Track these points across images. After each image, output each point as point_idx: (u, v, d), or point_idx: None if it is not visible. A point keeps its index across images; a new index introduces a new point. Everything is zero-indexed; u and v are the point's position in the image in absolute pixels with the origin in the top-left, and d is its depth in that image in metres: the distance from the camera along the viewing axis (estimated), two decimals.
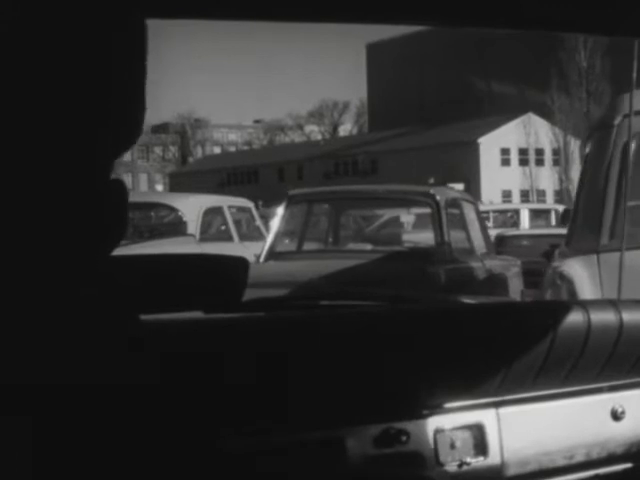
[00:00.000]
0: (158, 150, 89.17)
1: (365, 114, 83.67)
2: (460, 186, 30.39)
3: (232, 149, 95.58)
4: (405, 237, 12.94)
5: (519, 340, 2.03)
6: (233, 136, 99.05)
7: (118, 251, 1.34)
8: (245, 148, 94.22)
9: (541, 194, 55.71)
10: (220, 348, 1.76)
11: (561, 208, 22.76)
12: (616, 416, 2.16)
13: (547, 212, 23.18)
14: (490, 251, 8.83)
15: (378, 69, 73.82)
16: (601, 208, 4.48)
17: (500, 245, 13.30)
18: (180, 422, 1.54)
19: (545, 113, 50.58)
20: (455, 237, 7.87)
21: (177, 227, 10.94)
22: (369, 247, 9.04)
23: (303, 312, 2.26)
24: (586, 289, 4.28)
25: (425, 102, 69.18)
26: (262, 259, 7.75)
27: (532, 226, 21.14)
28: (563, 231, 7.76)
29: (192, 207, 10.86)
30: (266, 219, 13.35)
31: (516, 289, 8.42)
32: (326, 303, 2.38)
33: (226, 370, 1.74)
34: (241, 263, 1.67)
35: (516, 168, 58.02)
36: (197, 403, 1.61)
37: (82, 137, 1.22)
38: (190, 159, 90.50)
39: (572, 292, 4.36)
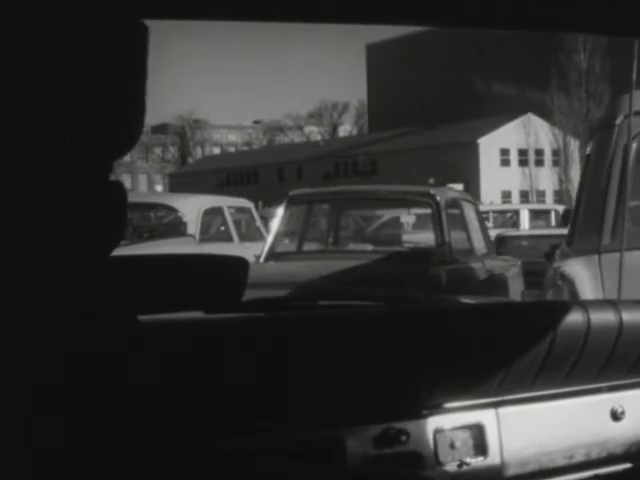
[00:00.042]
0: (158, 151, 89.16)
1: (365, 115, 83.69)
2: (459, 186, 30.36)
3: (232, 150, 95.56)
4: (405, 237, 12.95)
5: (519, 340, 2.03)
6: (232, 137, 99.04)
7: (118, 251, 1.34)
8: (245, 149, 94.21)
9: (541, 194, 55.70)
10: (220, 348, 1.76)
11: (561, 208, 22.74)
12: (616, 416, 2.16)
13: (547, 212, 23.16)
14: (490, 251, 8.83)
15: (378, 69, 73.81)
16: (602, 208, 4.47)
17: (500, 245, 13.27)
18: (180, 422, 1.54)
19: (545, 114, 50.58)
20: (455, 237, 7.86)
21: (177, 227, 10.93)
22: (369, 247, 9.04)
23: (303, 312, 2.26)
24: (588, 289, 4.28)
25: (425, 102, 69.17)
26: (262, 259, 7.75)
27: (532, 227, 21.13)
28: (563, 231, 7.76)
29: (192, 207, 10.85)
30: (266, 219, 13.35)
31: (517, 290, 8.41)
32: (326, 303, 2.38)
33: (226, 370, 1.74)
34: (241, 263, 1.67)
35: (516, 168, 58.01)
36: (197, 403, 1.61)
37: (82, 139, 1.22)
38: (190, 160, 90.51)
39: (574, 292, 4.36)
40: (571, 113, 48.04)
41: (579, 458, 2.11)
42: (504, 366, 2.00)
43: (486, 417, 2.02)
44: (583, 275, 4.43)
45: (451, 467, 1.95)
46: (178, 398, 1.56)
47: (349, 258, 7.68)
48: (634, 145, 4.43)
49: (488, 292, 7.44)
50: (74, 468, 1.27)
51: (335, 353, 1.88)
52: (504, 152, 60.09)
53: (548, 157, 56.09)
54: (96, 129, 1.23)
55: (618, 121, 4.53)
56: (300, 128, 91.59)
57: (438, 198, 7.69)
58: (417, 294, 4.30)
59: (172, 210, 11.24)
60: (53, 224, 1.22)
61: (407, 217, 18.88)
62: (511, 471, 2.03)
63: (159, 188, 79.91)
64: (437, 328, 2.00)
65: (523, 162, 57.50)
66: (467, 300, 2.54)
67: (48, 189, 1.21)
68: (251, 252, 8.17)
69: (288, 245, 8.67)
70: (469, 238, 8.26)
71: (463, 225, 8.31)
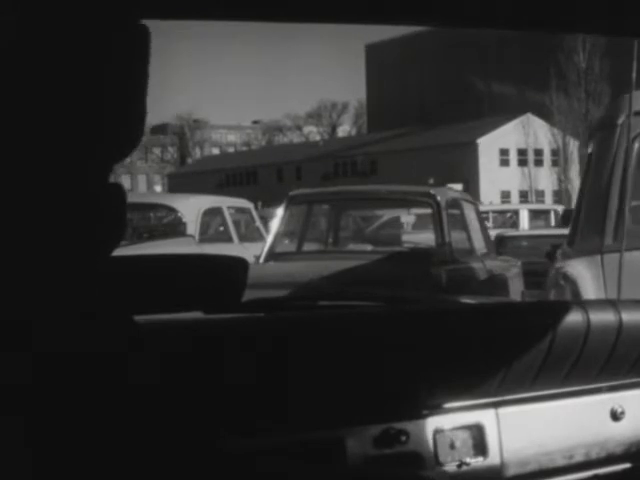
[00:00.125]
0: (157, 151, 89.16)
1: (364, 115, 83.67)
2: (459, 186, 30.35)
3: (231, 150, 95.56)
4: (405, 237, 12.94)
5: (519, 340, 2.03)
6: (232, 137, 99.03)
7: (118, 252, 1.34)
8: (244, 149, 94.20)
9: (540, 194, 55.72)
10: (220, 348, 1.76)
11: (560, 208, 22.76)
12: (615, 416, 2.16)
13: (547, 212, 23.16)
14: (490, 252, 8.83)
15: (377, 70, 73.81)
16: (605, 208, 4.47)
17: (500, 246, 13.28)
18: (180, 422, 1.54)
19: (544, 114, 50.60)
20: (456, 237, 7.86)
21: (176, 228, 10.92)
22: (369, 248, 9.03)
23: (303, 312, 2.26)
24: (590, 290, 4.27)
25: (425, 102, 69.16)
26: (262, 260, 7.75)
27: (531, 227, 21.14)
28: (563, 231, 7.75)
29: (191, 208, 10.84)
30: (265, 220, 13.35)
31: (517, 290, 8.41)
32: (326, 303, 2.38)
33: (226, 370, 1.74)
34: (241, 264, 1.67)
35: (515, 168, 58.03)
36: (197, 403, 1.61)
37: (82, 140, 1.22)
38: (189, 160, 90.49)
39: (576, 293, 4.36)
40: (570, 113, 48.07)
41: (579, 458, 2.11)
42: (504, 366, 2.00)
43: (486, 417, 2.02)
44: (585, 275, 4.42)
45: (451, 467, 1.95)
46: (178, 398, 1.56)
47: (349, 258, 7.67)
48: (636, 145, 4.43)
49: (488, 292, 7.44)
50: (74, 468, 1.27)
51: (335, 353, 1.88)
52: (503, 152, 60.10)
53: (547, 157, 56.11)
54: (96, 130, 1.23)
55: (620, 121, 4.53)
56: (299, 128, 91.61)
57: (439, 198, 7.69)
58: (417, 294, 4.30)
59: (172, 210, 11.23)
60: (53, 225, 1.22)
61: (407, 217, 18.88)
62: (511, 471, 2.03)
63: (158, 188, 79.89)
64: (437, 328, 2.00)
65: (522, 162, 57.51)
66: (467, 300, 2.55)
67: (48, 190, 1.21)
68: (251, 252, 8.17)
69: (288, 245, 8.67)
70: (469, 238, 8.26)
71: (463, 225, 8.31)
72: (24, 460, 1.23)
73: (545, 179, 54.66)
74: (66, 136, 1.21)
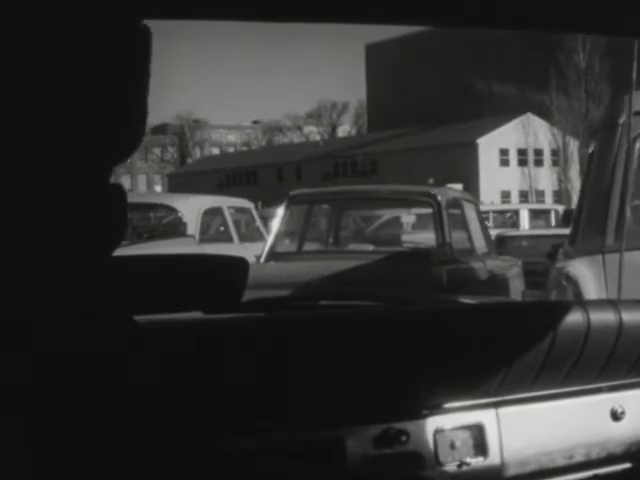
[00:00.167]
0: (157, 151, 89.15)
1: (364, 115, 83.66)
2: (459, 186, 30.34)
3: (231, 150, 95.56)
4: (405, 237, 12.93)
5: (519, 340, 2.03)
6: (232, 137, 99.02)
7: (118, 252, 1.34)
8: (244, 149, 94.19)
9: (540, 194, 55.71)
10: (220, 348, 1.76)
11: (561, 208, 22.76)
12: (616, 416, 2.16)
13: (547, 212, 23.17)
14: (491, 251, 8.82)
15: (377, 69, 73.80)
16: (606, 208, 4.47)
17: (500, 245, 13.29)
18: (180, 422, 1.54)
19: (544, 113, 50.61)
20: (456, 237, 7.85)
21: (176, 228, 10.92)
22: (370, 248, 9.03)
23: (303, 312, 2.26)
24: (591, 289, 4.27)
25: (425, 102, 69.14)
26: (262, 260, 7.75)
27: (532, 226, 21.14)
28: (563, 231, 7.75)
29: (191, 208, 10.84)
30: (265, 220, 13.34)
31: (517, 290, 8.41)
32: (326, 303, 2.38)
33: (226, 370, 1.74)
34: (241, 264, 1.67)
35: (515, 168, 58.02)
36: (197, 403, 1.61)
37: (82, 140, 1.22)
38: (189, 160, 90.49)
39: (577, 293, 4.36)
40: (570, 113, 48.07)
41: (579, 458, 2.11)
42: (504, 366, 2.00)
43: (486, 417, 2.02)
44: (587, 275, 4.42)
45: (451, 467, 1.95)
46: (178, 398, 1.56)
47: (349, 258, 7.67)
48: (637, 145, 4.43)
49: (489, 292, 7.44)
50: (74, 468, 1.27)
51: (335, 353, 1.88)
52: (503, 152, 60.09)
53: (547, 157, 56.11)
54: (97, 130, 1.23)
55: (621, 121, 4.53)
56: (299, 128, 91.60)
57: (439, 198, 7.68)
58: (417, 294, 4.30)
59: (172, 210, 11.23)
60: (54, 225, 1.22)
61: (407, 217, 18.87)
62: (511, 471, 2.03)
63: (158, 188, 79.86)
64: (437, 328, 2.00)
65: (522, 162, 57.51)
66: (467, 300, 2.55)
67: (49, 190, 1.21)
68: (251, 252, 8.17)
69: (288, 245, 8.67)
70: (470, 238, 8.26)
71: (464, 225, 8.30)
72: (24, 460, 1.23)
73: (545, 179, 54.66)
74: (67, 136, 1.20)
